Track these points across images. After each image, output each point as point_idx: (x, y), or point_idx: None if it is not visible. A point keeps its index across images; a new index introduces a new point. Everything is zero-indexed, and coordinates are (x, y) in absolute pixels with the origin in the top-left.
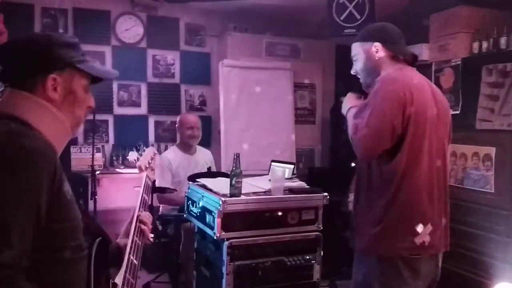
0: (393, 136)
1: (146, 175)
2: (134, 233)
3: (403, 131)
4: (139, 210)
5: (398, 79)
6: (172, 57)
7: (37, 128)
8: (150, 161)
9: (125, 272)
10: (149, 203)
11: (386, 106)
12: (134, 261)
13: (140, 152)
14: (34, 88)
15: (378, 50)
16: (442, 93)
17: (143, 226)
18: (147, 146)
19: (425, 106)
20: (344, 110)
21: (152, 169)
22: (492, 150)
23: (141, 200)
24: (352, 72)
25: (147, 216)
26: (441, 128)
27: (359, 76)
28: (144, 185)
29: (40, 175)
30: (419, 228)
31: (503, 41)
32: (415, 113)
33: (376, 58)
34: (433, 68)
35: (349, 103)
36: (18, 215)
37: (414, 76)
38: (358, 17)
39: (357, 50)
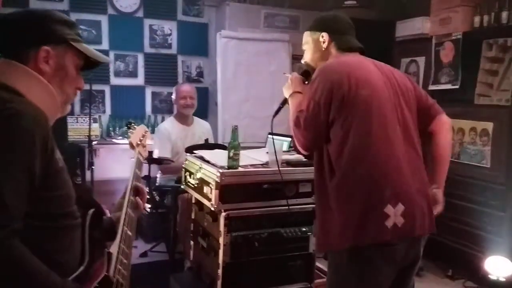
0: (328, 128)
1: (138, 151)
2: (127, 206)
3: (341, 112)
4: (131, 184)
5: (332, 68)
6: (169, 27)
7: (27, 97)
8: (141, 138)
9: (120, 241)
10: (142, 176)
11: (320, 99)
12: (128, 232)
13: (131, 130)
14: (27, 59)
15: (325, 40)
16: (396, 69)
17: (137, 199)
18: (144, 117)
19: (367, 79)
20: (287, 92)
21: (144, 146)
22: (489, 126)
23: (133, 176)
24: (302, 61)
25: (141, 189)
26: (401, 97)
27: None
28: (136, 161)
29: (33, 137)
30: (388, 209)
31: (504, 15)
32: (355, 91)
33: (323, 49)
34: (434, 42)
35: (293, 87)
36: (10, 177)
37: (352, 58)
38: None
39: (307, 39)
